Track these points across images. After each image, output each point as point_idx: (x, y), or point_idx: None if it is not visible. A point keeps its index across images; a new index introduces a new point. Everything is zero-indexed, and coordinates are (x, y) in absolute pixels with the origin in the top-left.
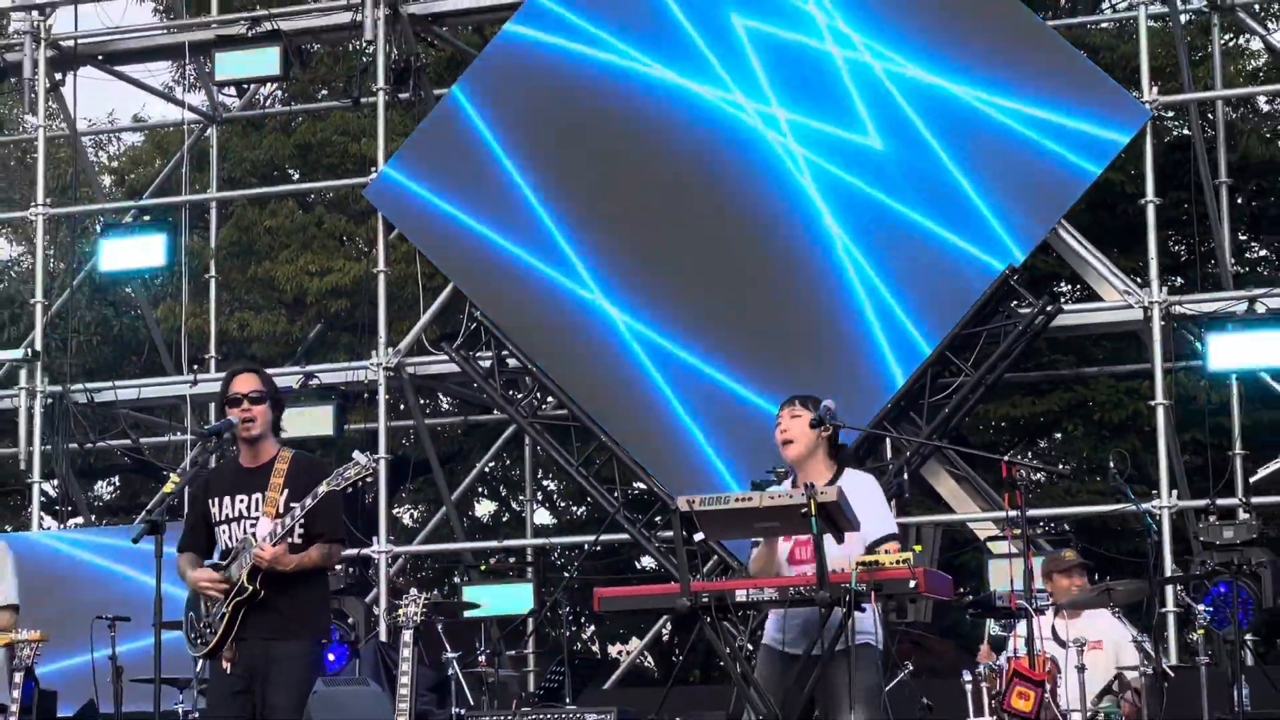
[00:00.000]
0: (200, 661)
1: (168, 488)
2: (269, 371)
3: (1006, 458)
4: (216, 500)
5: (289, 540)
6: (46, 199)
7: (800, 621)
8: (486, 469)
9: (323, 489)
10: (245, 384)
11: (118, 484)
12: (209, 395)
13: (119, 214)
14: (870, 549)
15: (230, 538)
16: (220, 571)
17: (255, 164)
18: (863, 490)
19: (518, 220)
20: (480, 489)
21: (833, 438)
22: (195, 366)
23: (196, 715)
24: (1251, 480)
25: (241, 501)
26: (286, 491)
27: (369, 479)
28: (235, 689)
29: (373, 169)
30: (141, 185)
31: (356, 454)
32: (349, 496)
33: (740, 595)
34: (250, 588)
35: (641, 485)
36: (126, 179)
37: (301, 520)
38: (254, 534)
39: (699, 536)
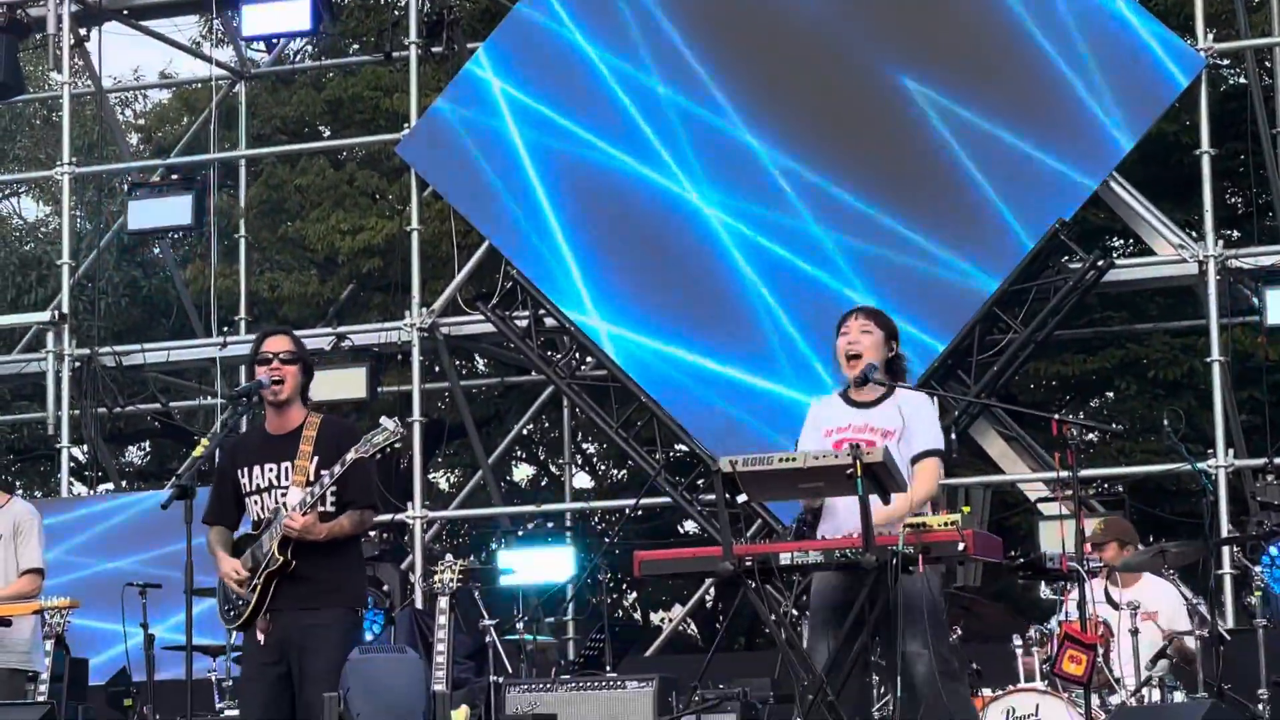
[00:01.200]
0: (231, 637)
1: (197, 451)
2: (300, 333)
3: (1057, 416)
4: (245, 470)
5: (320, 509)
6: (72, 158)
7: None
8: (524, 431)
9: (351, 456)
10: (276, 344)
11: (147, 448)
12: (239, 358)
13: (146, 173)
14: (915, 460)
15: (262, 508)
16: (252, 544)
17: (285, 121)
18: (916, 404)
19: (554, 177)
20: (517, 452)
21: (895, 358)
22: (225, 328)
23: (230, 683)
24: None
25: (270, 471)
26: (316, 458)
27: (398, 445)
28: (269, 660)
29: (405, 125)
30: (169, 143)
31: (384, 419)
32: (382, 461)
33: (785, 558)
34: (281, 559)
35: (683, 447)
36: (153, 137)
37: (332, 488)
38: (284, 504)
39: (742, 498)
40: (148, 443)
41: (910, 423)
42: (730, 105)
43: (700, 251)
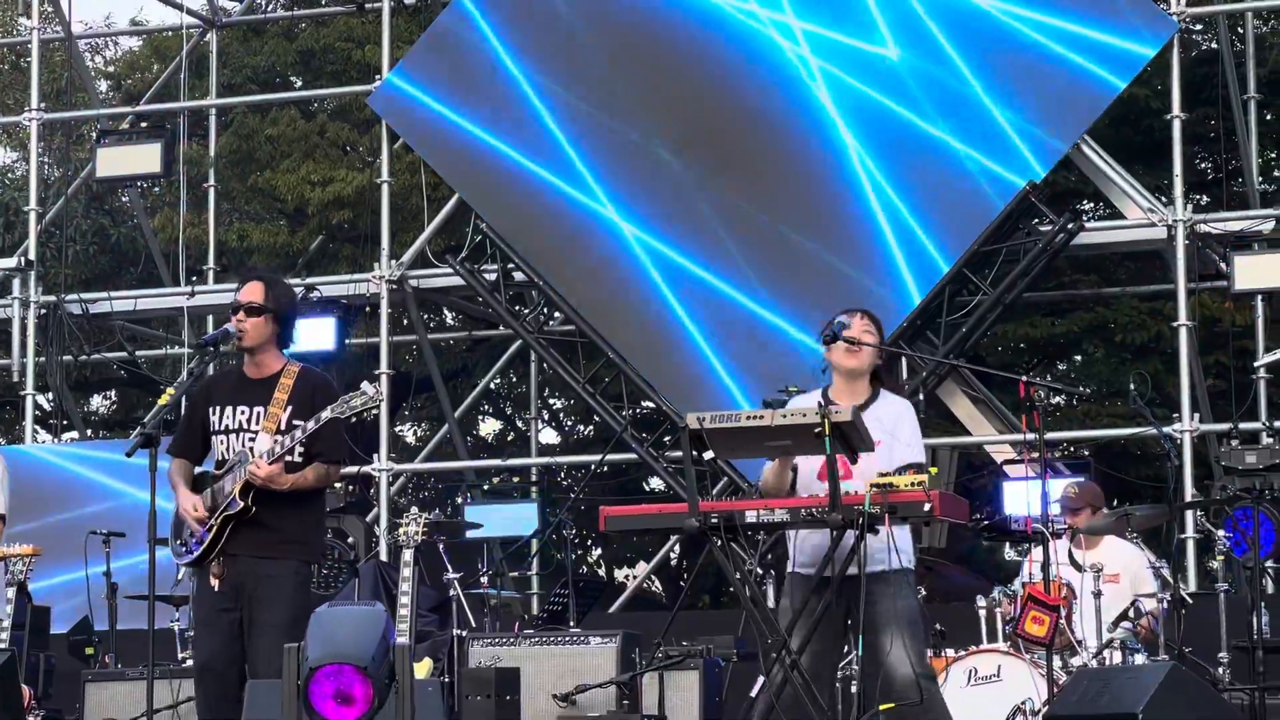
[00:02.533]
0: (182, 571)
1: (163, 400)
2: None
3: (1025, 378)
4: (217, 408)
5: (286, 459)
6: (41, 104)
7: (813, 545)
8: (491, 386)
9: (326, 414)
10: (247, 293)
11: (113, 397)
12: (207, 307)
13: (115, 120)
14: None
15: (228, 449)
16: (212, 483)
17: (256, 70)
18: (898, 414)
19: (526, 131)
20: (484, 406)
21: (881, 363)
22: (193, 278)
23: (192, 633)
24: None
25: (242, 413)
26: (290, 408)
27: (375, 410)
28: (222, 606)
29: (377, 76)
30: (139, 91)
31: (365, 384)
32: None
33: (750, 516)
34: (242, 504)
35: (650, 403)
36: (123, 84)
37: (302, 441)
38: (251, 449)
39: (709, 455)
40: (113, 391)
41: (895, 433)
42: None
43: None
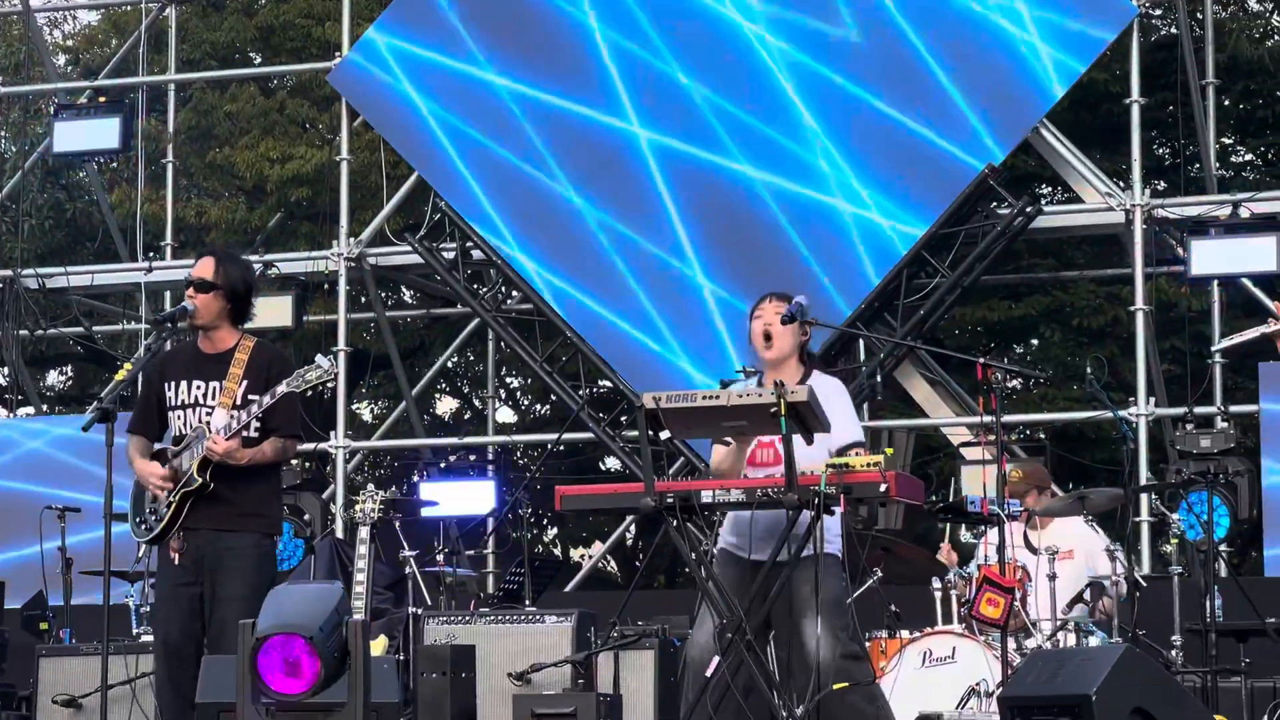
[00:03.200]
0: (143, 548)
1: (120, 376)
2: None
3: (982, 360)
4: (172, 384)
5: (243, 434)
6: None
7: (765, 528)
8: (448, 364)
9: (282, 389)
10: (198, 270)
11: (69, 372)
12: (164, 283)
13: (73, 94)
14: (839, 454)
15: (185, 424)
16: (170, 460)
17: (215, 46)
18: (830, 394)
19: (486, 109)
20: (441, 385)
21: (806, 340)
22: (151, 254)
23: (147, 609)
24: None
25: (198, 388)
26: (245, 382)
27: (329, 383)
28: (183, 580)
29: (337, 53)
30: (97, 65)
31: (320, 357)
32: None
33: (706, 496)
34: (200, 479)
35: (607, 383)
36: (81, 59)
37: (258, 415)
38: (208, 424)
39: (665, 435)
40: (70, 366)
41: (828, 413)
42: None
43: (630, 185)
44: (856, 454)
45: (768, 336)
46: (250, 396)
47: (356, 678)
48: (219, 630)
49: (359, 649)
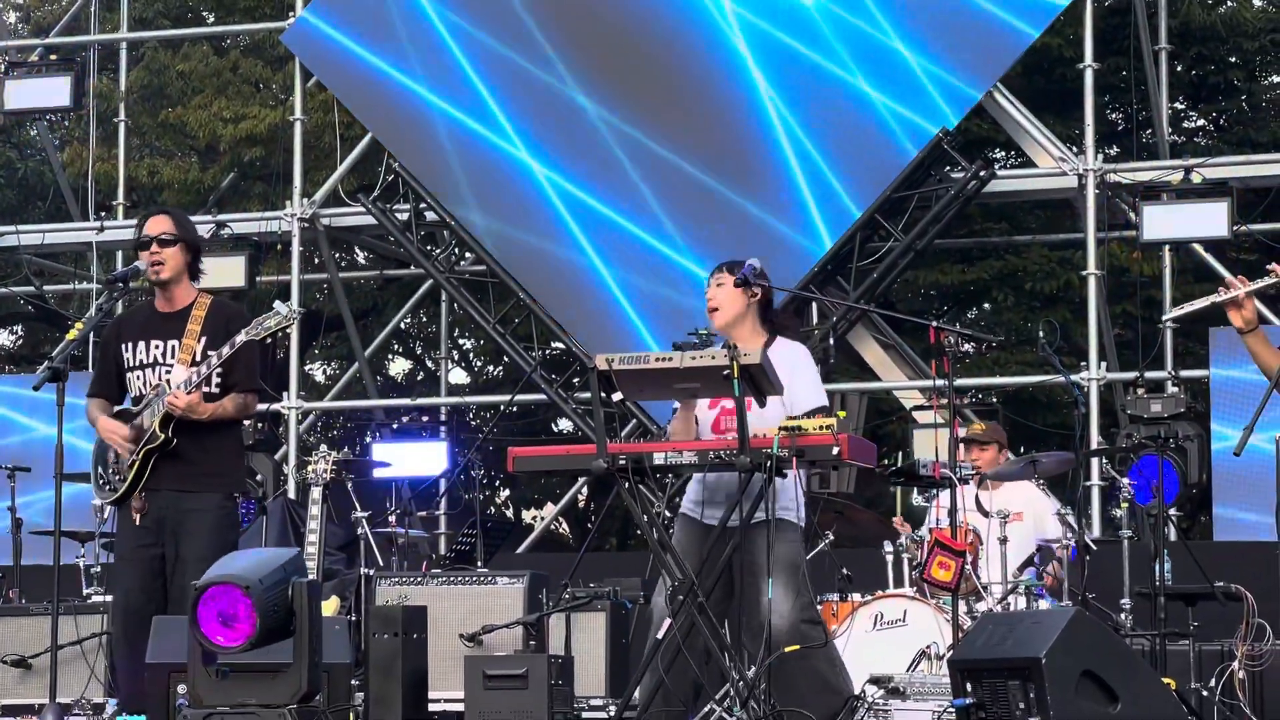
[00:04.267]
0: (105, 512)
1: (71, 335)
2: None
3: (935, 324)
4: (130, 345)
5: (204, 389)
6: None
7: (726, 493)
8: (401, 325)
9: (241, 338)
10: (155, 226)
11: (20, 332)
12: (116, 242)
13: (24, 52)
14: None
15: (144, 384)
16: (132, 419)
17: (168, 5)
18: (794, 359)
19: (441, 70)
20: (394, 346)
21: (764, 303)
22: (103, 213)
23: (98, 570)
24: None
25: (156, 347)
26: (204, 339)
27: (289, 329)
28: (144, 541)
29: (291, 13)
30: (48, 23)
31: (278, 304)
32: (261, 349)
33: (659, 458)
34: (162, 436)
35: (560, 345)
36: (32, 16)
37: (219, 369)
38: (168, 381)
39: (617, 397)
40: (20, 326)
41: (791, 379)
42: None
43: (587, 152)
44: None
45: (713, 310)
46: (209, 353)
47: (303, 638)
48: (179, 593)
49: (304, 609)
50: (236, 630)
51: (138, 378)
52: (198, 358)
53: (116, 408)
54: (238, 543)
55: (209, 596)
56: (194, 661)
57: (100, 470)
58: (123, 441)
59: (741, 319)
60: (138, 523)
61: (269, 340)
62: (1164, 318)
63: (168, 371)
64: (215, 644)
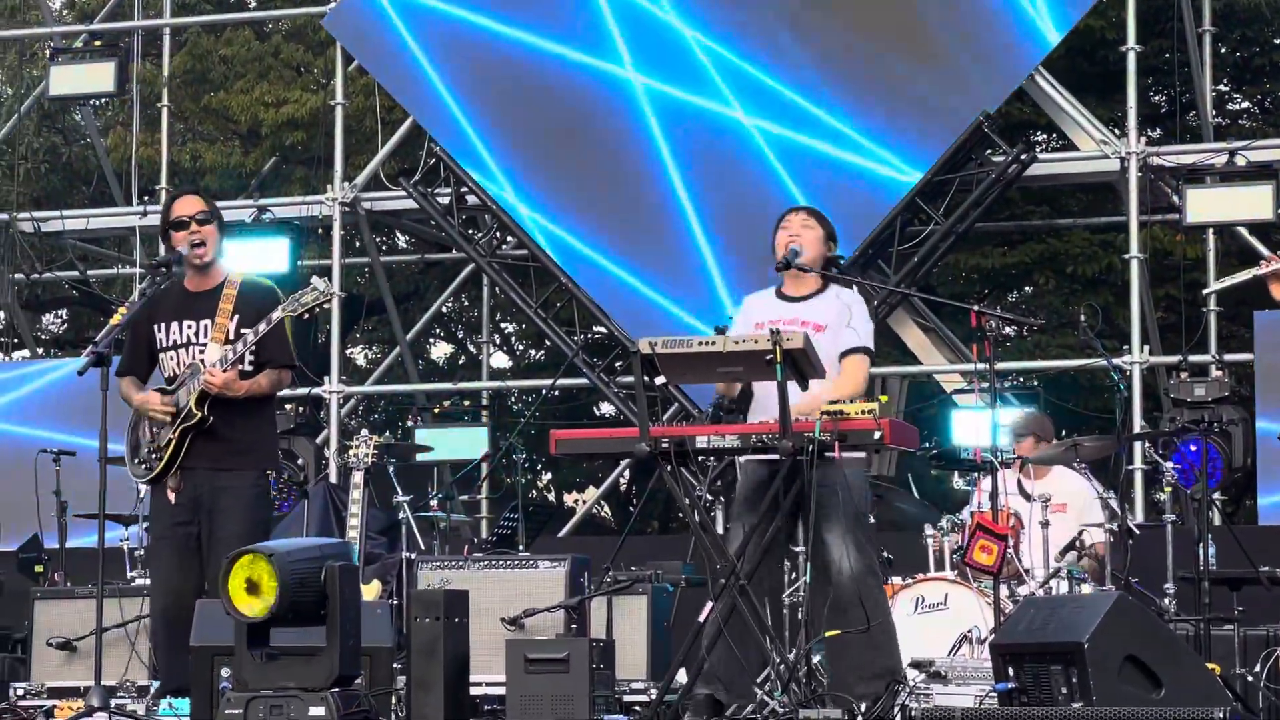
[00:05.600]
0: (143, 489)
1: (115, 320)
2: (221, 204)
3: (976, 308)
4: (162, 325)
5: (239, 367)
6: None
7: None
8: (442, 309)
9: (277, 314)
10: (189, 206)
11: (64, 316)
12: (159, 227)
13: (69, 38)
14: (842, 356)
15: (177, 364)
16: (168, 396)
17: None
18: (847, 302)
19: (482, 54)
20: (436, 330)
21: (832, 258)
22: (146, 197)
23: (142, 553)
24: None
25: (189, 328)
26: (236, 317)
27: (325, 305)
28: (180, 520)
29: None
30: (93, 9)
31: (314, 279)
32: (301, 333)
33: (701, 441)
34: (199, 414)
35: (601, 329)
36: (77, 3)
37: (253, 346)
38: (203, 360)
39: (660, 380)
40: (65, 310)
41: (842, 318)
42: None
43: (624, 134)
44: (858, 360)
45: (790, 242)
46: (243, 330)
47: (334, 622)
48: (215, 571)
49: (337, 593)
50: (260, 598)
51: (171, 358)
52: (231, 336)
53: (149, 388)
54: (270, 519)
55: (239, 566)
56: (239, 644)
57: (136, 450)
58: (160, 410)
59: (816, 264)
60: (173, 501)
61: (306, 316)
62: (1205, 291)
63: (201, 351)
64: (240, 612)
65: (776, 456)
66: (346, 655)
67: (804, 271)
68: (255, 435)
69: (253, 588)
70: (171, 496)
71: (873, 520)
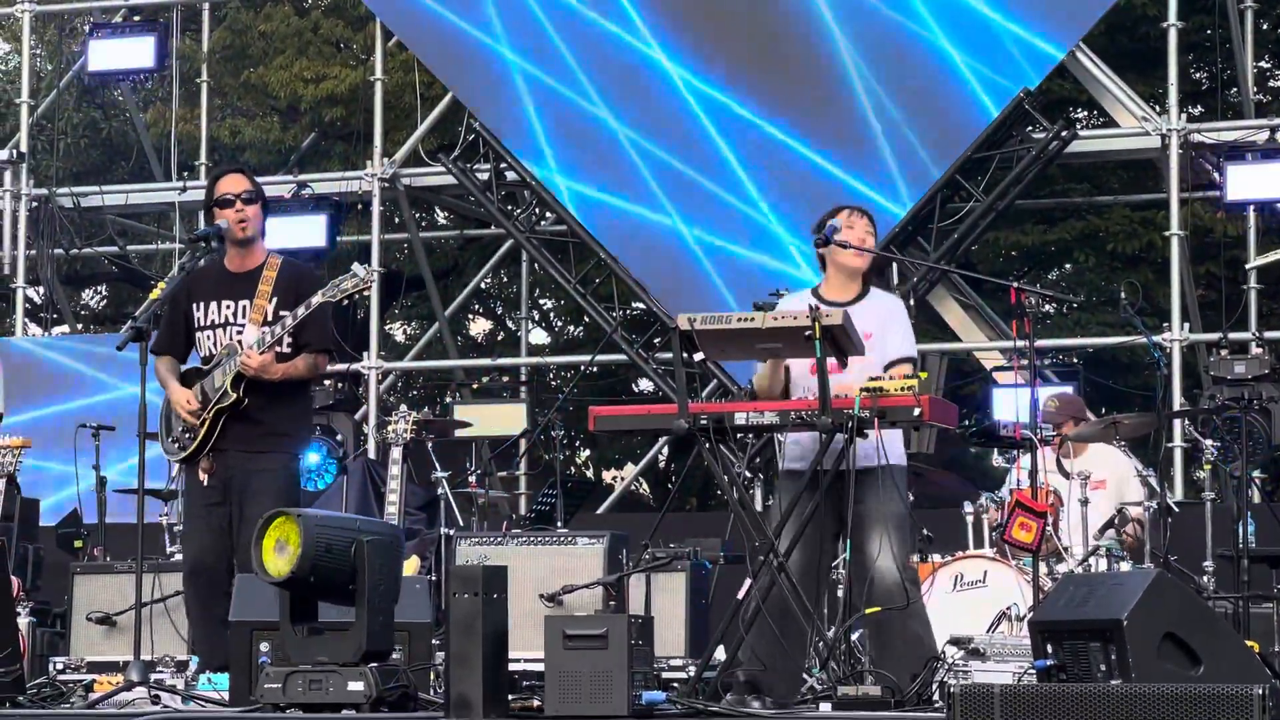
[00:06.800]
0: (175, 467)
1: (154, 295)
2: (261, 179)
3: (1016, 284)
4: (201, 304)
5: (276, 349)
6: None
7: (801, 441)
8: (481, 285)
9: (317, 299)
10: (235, 184)
11: (104, 292)
12: (198, 203)
13: (108, 13)
14: (888, 367)
15: (214, 344)
16: (202, 378)
17: None
18: (889, 309)
19: (522, 29)
20: (474, 306)
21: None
22: (185, 173)
23: (180, 528)
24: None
25: (228, 308)
26: (275, 299)
27: (364, 292)
28: (211, 501)
29: None
30: None
31: (355, 265)
32: (339, 310)
33: (740, 418)
34: (234, 395)
35: (640, 305)
36: None
37: (291, 330)
38: (240, 341)
39: (698, 357)
40: (104, 286)
41: (885, 328)
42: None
43: (666, 110)
44: (893, 378)
45: (833, 229)
46: (281, 313)
47: (362, 596)
48: (245, 555)
49: (365, 567)
50: (285, 558)
51: (208, 337)
52: (269, 318)
53: (184, 366)
54: (300, 503)
55: (273, 528)
56: (283, 618)
57: (170, 426)
58: (188, 414)
59: (862, 272)
60: (205, 483)
61: (345, 301)
62: (1246, 267)
63: (239, 332)
64: (265, 570)
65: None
66: (376, 631)
67: (843, 248)
68: (289, 419)
69: (281, 548)
70: (204, 478)
71: (912, 498)
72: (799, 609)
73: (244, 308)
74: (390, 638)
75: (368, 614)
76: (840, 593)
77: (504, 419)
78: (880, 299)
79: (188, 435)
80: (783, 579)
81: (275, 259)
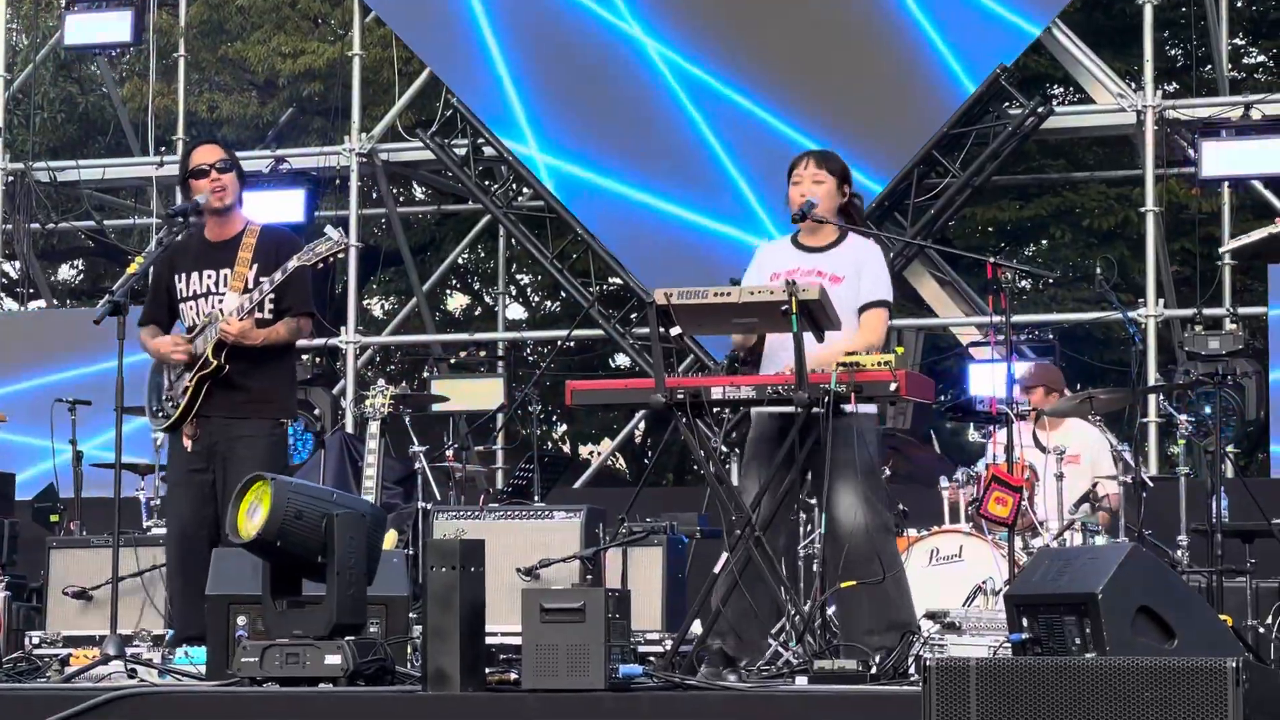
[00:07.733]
0: (161, 437)
1: (131, 269)
2: (239, 154)
3: (992, 259)
4: (182, 275)
5: (256, 315)
6: None
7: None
8: (459, 260)
9: (293, 264)
10: (209, 154)
11: (80, 266)
12: (175, 177)
13: None
14: (862, 309)
15: (197, 314)
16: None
17: None
18: (866, 253)
19: (498, 3)
20: (452, 281)
21: (849, 202)
22: (162, 148)
23: (158, 503)
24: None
25: (209, 277)
26: (255, 266)
27: (340, 255)
28: (195, 467)
29: None
30: None
31: (329, 229)
32: (318, 283)
33: (716, 393)
34: (215, 362)
35: (617, 280)
36: None
37: (271, 295)
38: (221, 309)
39: (675, 331)
40: (81, 260)
41: (860, 270)
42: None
43: (643, 86)
44: (878, 314)
45: (810, 204)
46: (261, 279)
47: (331, 570)
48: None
49: (335, 541)
50: (255, 519)
51: (191, 308)
52: (249, 285)
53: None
54: (286, 469)
55: (251, 492)
56: (264, 591)
57: (155, 395)
58: (176, 351)
59: (829, 214)
60: (189, 449)
61: (321, 266)
62: (1221, 250)
63: (220, 300)
64: (237, 533)
65: (790, 409)
66: (345, 604)
67: (821, 223)
68: (272, 384)
69: (254, 511)
70: (188, 444)
71: (888, 472)
72: (774, 582)
73: (225, 276)
74: (363, 612)
75: (338, 587)
76: (816, 567)
77: (481, 394)
78: (857, 243)
79: (170, 404)
80: (758, 554)
81: (255, 226)
